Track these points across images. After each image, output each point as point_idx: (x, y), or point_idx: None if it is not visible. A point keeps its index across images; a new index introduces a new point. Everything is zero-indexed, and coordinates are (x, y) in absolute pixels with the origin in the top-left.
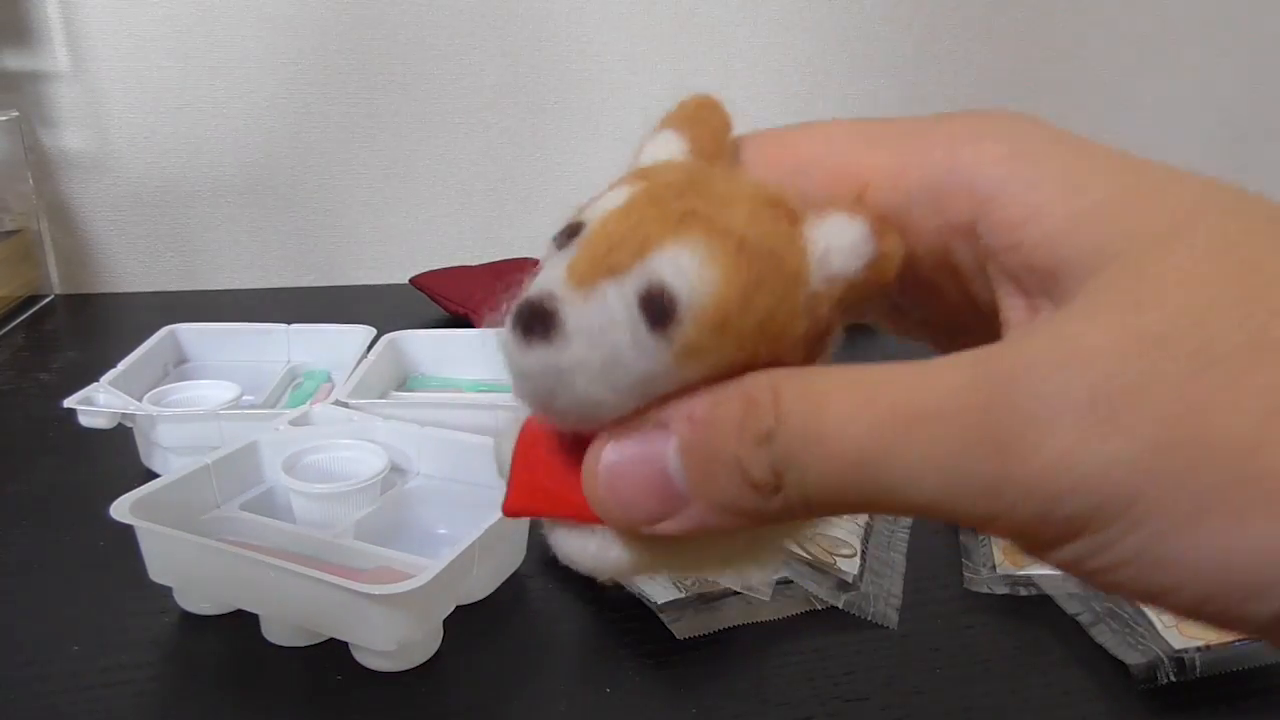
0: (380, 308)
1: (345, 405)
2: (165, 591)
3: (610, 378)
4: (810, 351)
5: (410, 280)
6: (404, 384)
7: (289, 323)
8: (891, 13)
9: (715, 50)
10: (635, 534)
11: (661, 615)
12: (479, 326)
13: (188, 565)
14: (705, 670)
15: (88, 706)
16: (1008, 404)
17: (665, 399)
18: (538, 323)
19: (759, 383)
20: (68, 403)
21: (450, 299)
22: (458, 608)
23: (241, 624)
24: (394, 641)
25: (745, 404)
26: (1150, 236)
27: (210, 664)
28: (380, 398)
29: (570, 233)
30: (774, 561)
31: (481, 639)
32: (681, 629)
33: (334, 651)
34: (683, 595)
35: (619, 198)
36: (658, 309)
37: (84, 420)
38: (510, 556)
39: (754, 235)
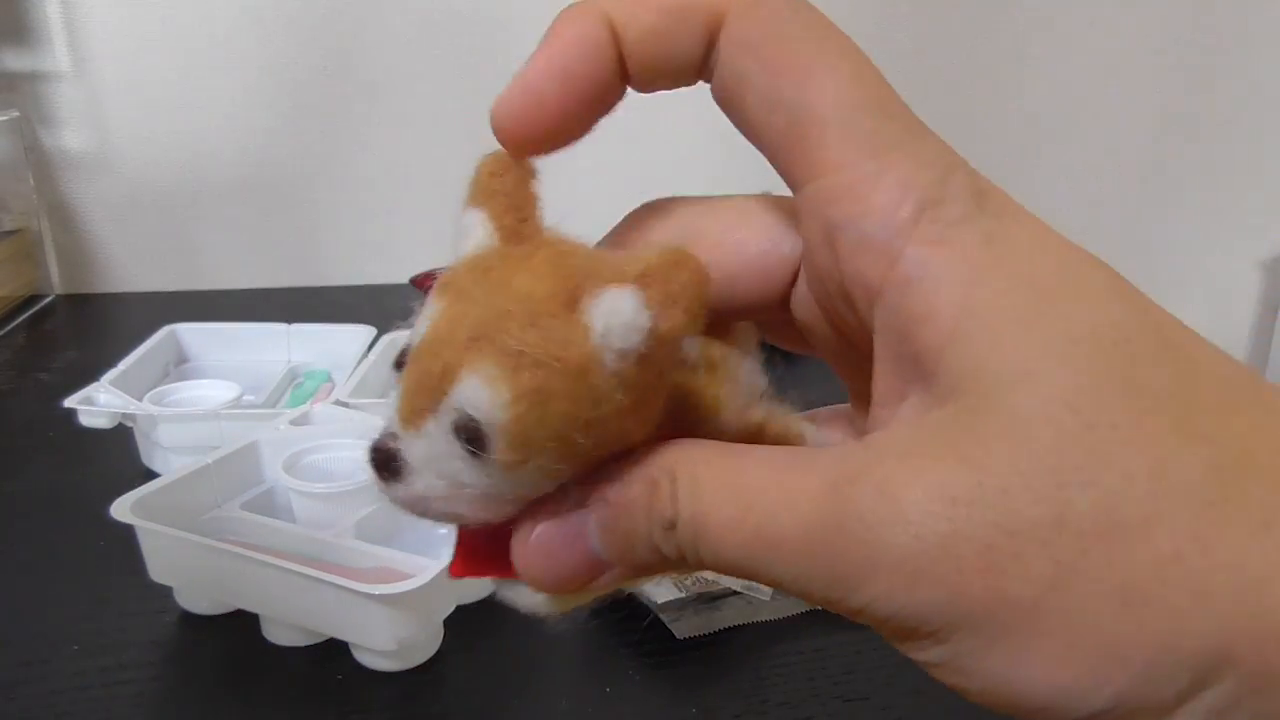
0: (381, 307)
1: (346, 405)
2: (165, 591)
3: (460, 497)
4: (656, 408)
5: (411, 280)
6: None
7: (289, 323)
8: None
9: None
10: None
11: (661, 615)
12: None
13: (188, 565)
14: (705, 670)
15: (88, 706)
16: (842, 547)
17: (528, 497)
18: (383, 465)
19: (660, 465)
20: (68, 403)
21: None
22: (458, 608)
23: (241, 624)
24: (394, 641)
25: (649, 488)
26: (1009, 377)
27: (210, 664)
28: (381, 398)
29: (400, 359)
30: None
31: (481, 639)
32: (681, 629)
33: (334, 651)
34: (683, 595)
35: (427, 322)
36: (470, 436)
37: (84, 420)
38: None
39: (532, 344)
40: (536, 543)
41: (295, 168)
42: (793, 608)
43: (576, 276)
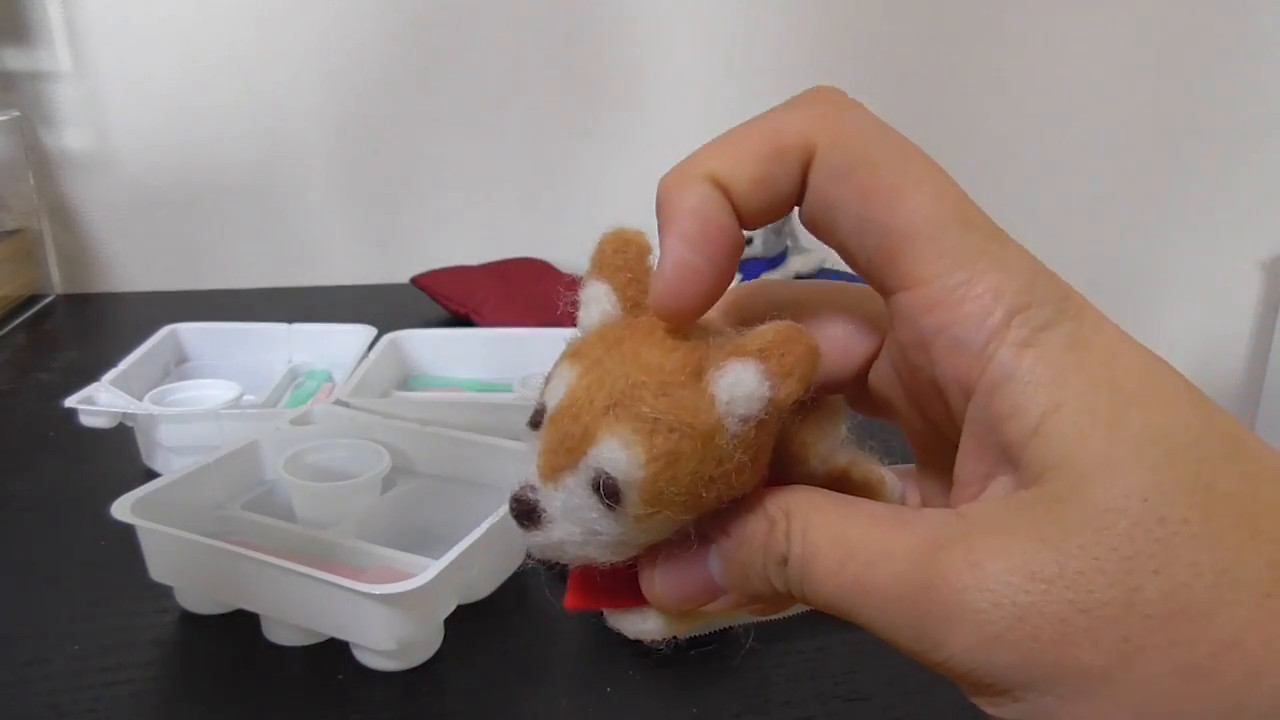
0: (381, 307)
1: (346, 405)
2: (165, 591)
3: (594, 543)
4: (765, 462)
5: (412, 280)
6: (405, 383)
7: (290, 322)
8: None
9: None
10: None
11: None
12: (480, 326)
13: (188, 565)
14: (705, 670)
15: (88, 706)
16: (929, 604)
17: (651, 543)
18: (525, 515)
19: (778, 506)
20: (68, 402)
21: (452, 299)
22: (458, 607)
23: (241, 624)
24: (395, 641)
25: (767, 525)
26: (1090, 470)
27: (210, 664)
28: (381, 397)
29: (536, 419)
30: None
31: (481, 639)
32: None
33: (335, 651)
34: None
35: (562, 387)
36: (607, 492)
37: (85, 420)
38: (511, 556)
39: (665, 411)
40: (662, 574)
41: (295, 168)
42: (793, 607)
43: (700, 349)
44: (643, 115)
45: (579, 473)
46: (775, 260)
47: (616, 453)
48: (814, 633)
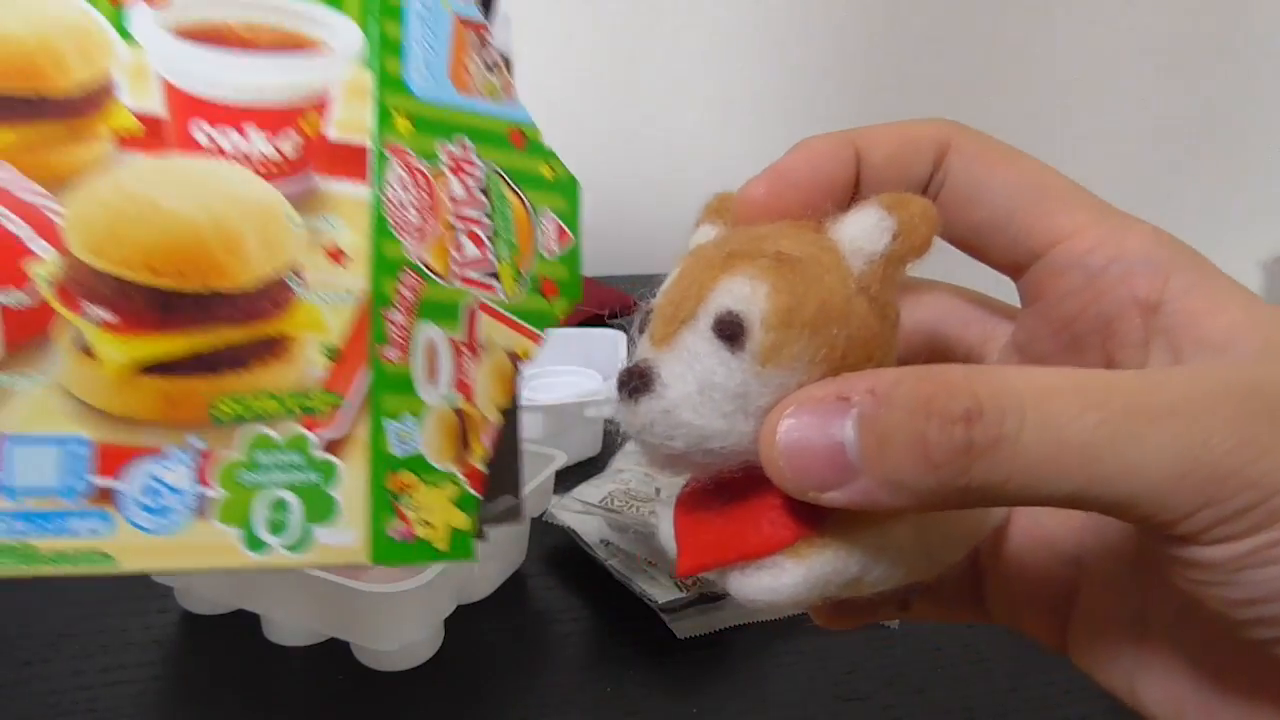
0: None
1: None
2: (165, 591)
3: (712, 402)
4: (893, 349)
5: None
6: None
7: None
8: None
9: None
10: (802, 552)
11: (662, 615)
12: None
13: None
14: (705, 670)
15: (88, 706)
16: (1244, 413)
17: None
18: (637, 381)
19: (952, 369)
20: None
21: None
22: (459, 607)
23: (242, 624)
24: (395, 641)
25: (936, 385)
26: None
27: (210, 664)
28: None
29: (644, 321)
30: (948, 562)
31: (481, 639)
32: (682, 629)
33: (335, 651)
34: (683, 595)
35: (672, 275)
36: (730, 329)
37: None
38: (512, 555)
39: (787, 248)
40: (786, 426)
41: None
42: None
43: (814, 225)
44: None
45: (698, 323)
46: None
47: (740, 287)
48: (814, 633)
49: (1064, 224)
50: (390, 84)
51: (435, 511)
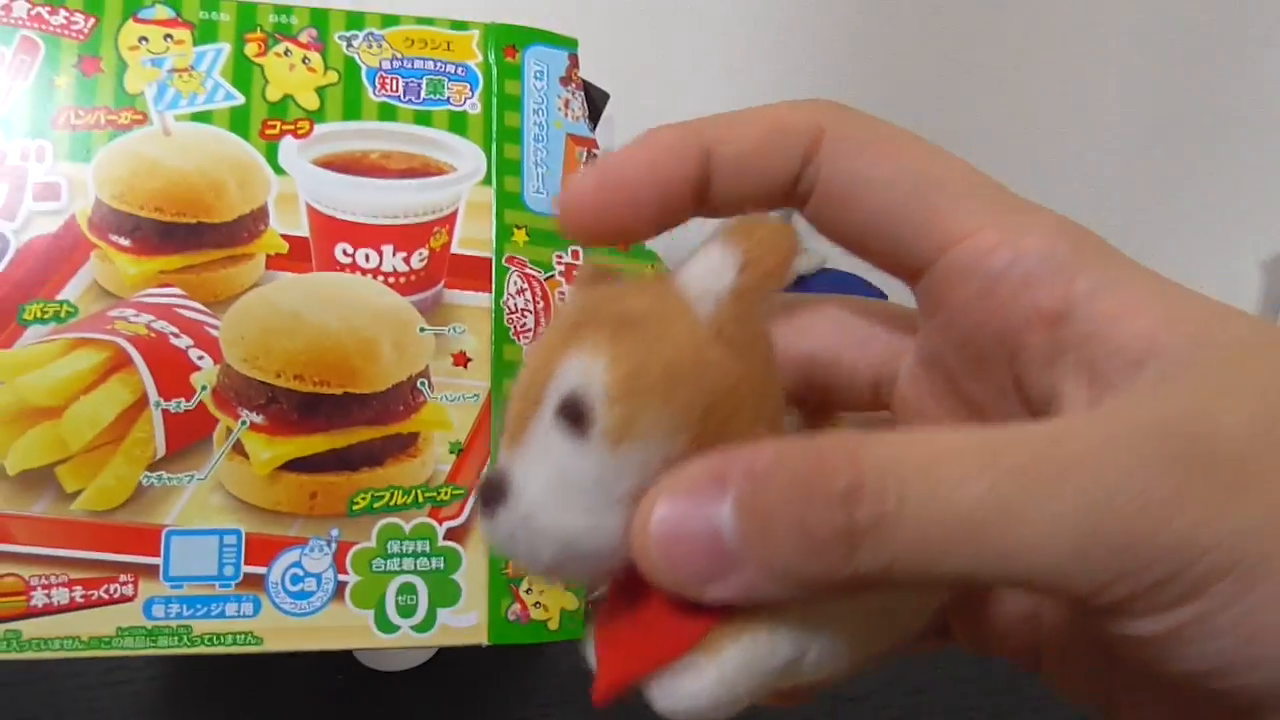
0: None
1: None
2: None
3: (570, 499)
4: (769, 399)
5: None
6: None
7: None
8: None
9: None
10: (717, 644)
11: None
12: None
13: None
14: None
15: (88, 706)
16: (1156, 462)
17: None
18: (491, 493)
19: (829, 441)
20: None
21: None
22: None
23: None
24: None
25: (815, 460)
26: (1235, 340)
27: (210, 664)
28: None
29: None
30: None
31: None
32: None
33: (334, 651)
34: None
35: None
36: (573, 412)
37: None
38: None
39: (626, 311)
40: (660, 515)
41: None
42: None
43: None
44: None
45: (544, 411)
46: None
47: (580, 363)
48: None
49: (957, 223)
50: (509, 201)
51: (548, 595)
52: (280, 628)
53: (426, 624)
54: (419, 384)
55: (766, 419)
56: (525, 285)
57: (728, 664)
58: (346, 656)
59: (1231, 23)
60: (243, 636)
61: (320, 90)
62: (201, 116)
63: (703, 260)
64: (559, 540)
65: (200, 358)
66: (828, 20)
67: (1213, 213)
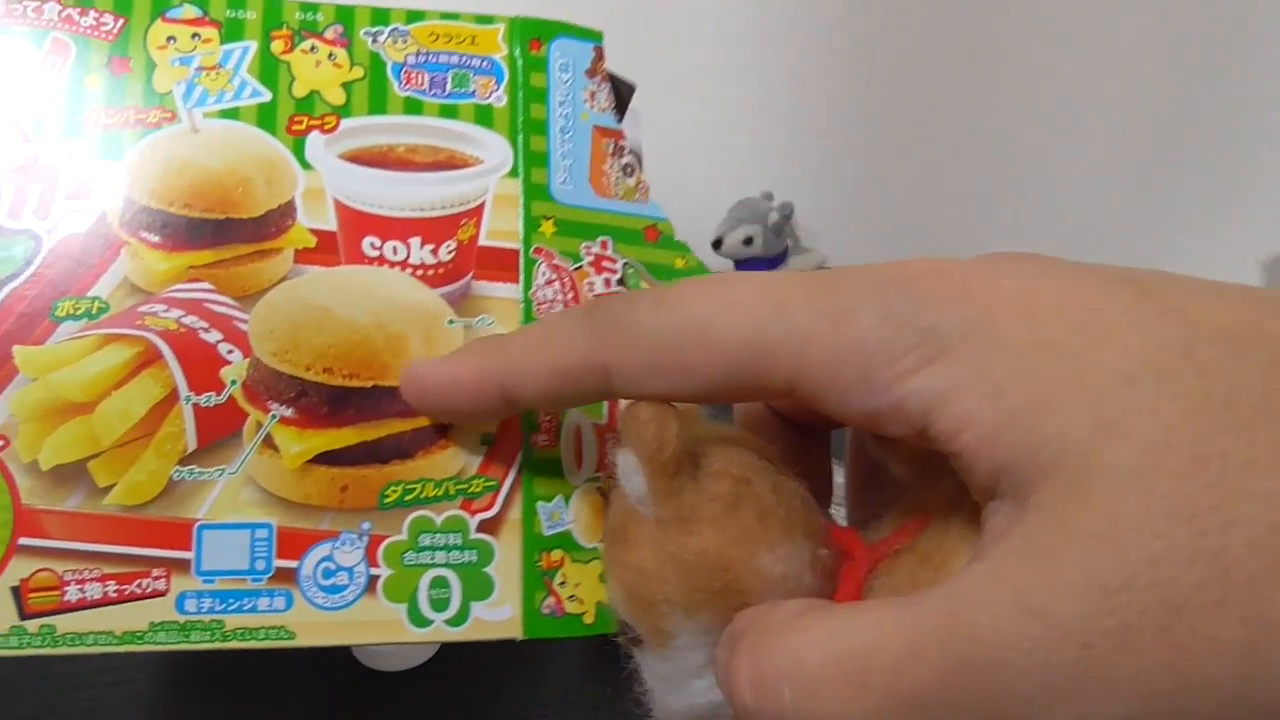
0: None
1: None
2: None
3: (661, 690)
4: (738, 547)
5: None
6: None
7: None
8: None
9: None
10: None
11: None
12: None
13: None
14: None
15: (88, 706)
16: (1001, 683)
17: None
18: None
19: (741, 640)
20: None
21: None
22: None
23: None
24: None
25: (731, 657)
26: (1086, 440)
27: (210, 664)
28: None
29: None
30: None
31: None
32: None
33: (335, 651)
34: None
35: None
36: (632, 638)
37: None
38: None
39: (613, 533)
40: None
41: None
42: None
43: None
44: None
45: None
46: (775, 260)
47: (612, 599)
48: None
49: (792, 366)
50: (536, 192)
51: (583, 587)
52: (313, 622)
53: (460, 618)
54: None
55: (766, 536)
56: (554, 276)
57: None
58: (346, 656)
59: (1232, 23)
60: (275, 631)
61: (346, 85)
62: (229, 113)
63: (620, 472)
64: (668, 715)
65: (230, 352)
66: (853, 10)
67: (1213, 213)
